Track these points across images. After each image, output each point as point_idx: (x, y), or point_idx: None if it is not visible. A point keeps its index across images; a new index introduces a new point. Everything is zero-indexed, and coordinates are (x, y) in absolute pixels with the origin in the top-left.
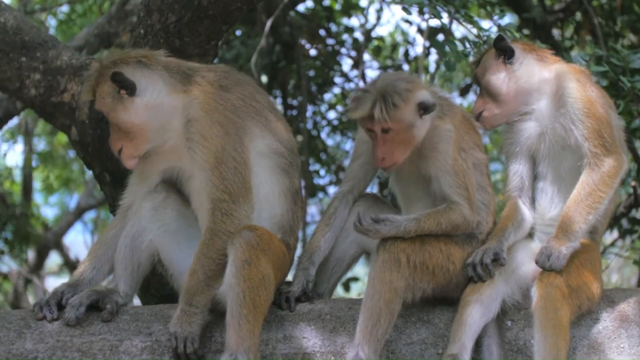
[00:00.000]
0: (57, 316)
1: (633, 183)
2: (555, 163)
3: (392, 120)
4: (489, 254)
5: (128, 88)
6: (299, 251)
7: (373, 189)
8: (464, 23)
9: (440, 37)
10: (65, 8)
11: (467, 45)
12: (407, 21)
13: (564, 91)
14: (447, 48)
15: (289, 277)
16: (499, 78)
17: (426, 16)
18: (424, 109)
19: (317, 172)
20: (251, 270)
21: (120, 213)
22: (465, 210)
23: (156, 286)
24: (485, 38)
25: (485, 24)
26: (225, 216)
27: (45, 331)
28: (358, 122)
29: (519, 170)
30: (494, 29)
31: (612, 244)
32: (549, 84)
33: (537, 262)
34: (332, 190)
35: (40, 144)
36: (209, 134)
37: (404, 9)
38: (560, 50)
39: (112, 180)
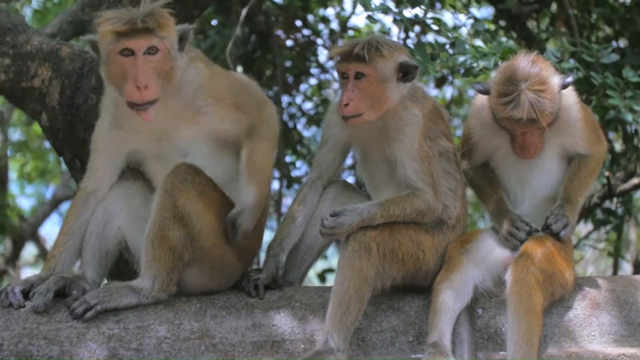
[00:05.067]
0: (23, 304)
1: (607, 173)
2: (523, 168)
3: (370, 63)
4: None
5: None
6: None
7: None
8: (433, 26)
9: (417, 28)
10: None
11: (436, 48)
12: (383, 12)
13: (570, 114)
14: (417, 56)
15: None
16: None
17: (402, 8)
18: (404, 72)
19: (293, 163)
20: (168, 201)
21: (81, 197)
22: (429, 197)
23: (127, 274)
24: (453, 40)
25: (461, 17)
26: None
27: (12, 319)
28: (335, 66)
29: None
30: (464, 29)
31: (587, 236)
32: None
33: (549, 226)
34: None
35: (16, 134)
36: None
37: (369, 17)
38: (536, 42)
39: (82, 166)
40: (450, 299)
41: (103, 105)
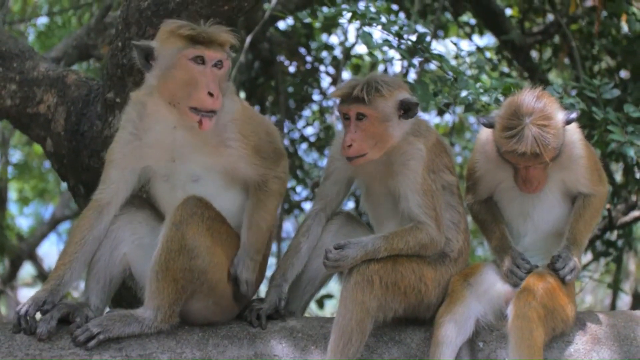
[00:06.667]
0: (35, 330)
1: (608, 206)
2: (525, 202)
3: (370, 104)
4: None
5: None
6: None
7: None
8: (434, 62)
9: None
10: (44, 19)
11: (438, 84)
12: (386, 41)
13: (573, 150)
14: (418, 91)
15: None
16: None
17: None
18: (404, 109)
19: (293, 188)
20: (176, 234)
21: (95, 209)
22: (432, 231)
23: (129, 300)
24: (455, 76)
25: (464, 44)
26: None
27: (15, 345)
28: (336, 107)
29: (484, 194)
30: (466, 66)
31: (585, 267)
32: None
33: (555, 267)
34: (307, 206)
35: (16, 155)
36: None
37: (370, 54)
38: (538, 73)
39: (86, 192)
40: (452, 332)
41: (125, 116)
